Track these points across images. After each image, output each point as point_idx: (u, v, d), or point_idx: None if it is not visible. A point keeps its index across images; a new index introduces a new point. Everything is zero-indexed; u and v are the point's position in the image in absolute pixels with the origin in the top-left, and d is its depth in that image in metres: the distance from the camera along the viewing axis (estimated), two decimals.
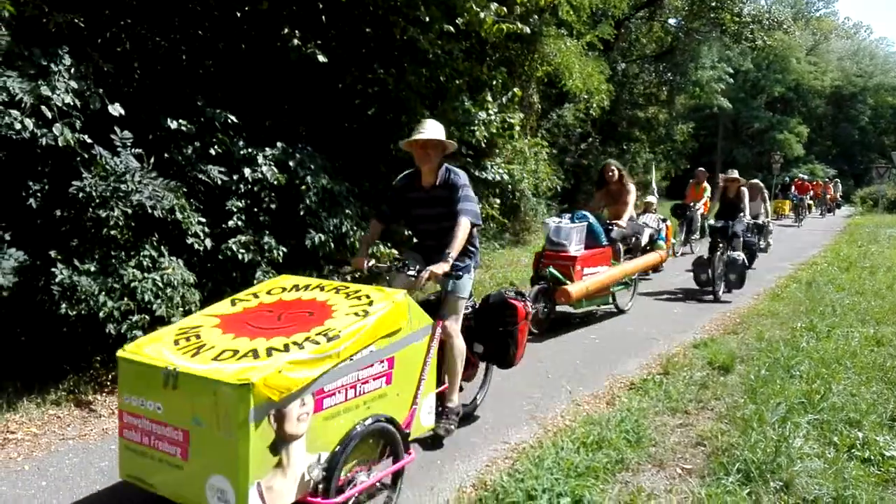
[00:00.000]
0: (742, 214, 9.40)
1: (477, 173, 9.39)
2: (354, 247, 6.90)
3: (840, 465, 3.65)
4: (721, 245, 9.09)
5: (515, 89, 9.76)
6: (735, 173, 10.03)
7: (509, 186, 10.98)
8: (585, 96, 15.37)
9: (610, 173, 8.03)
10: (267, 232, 6.10)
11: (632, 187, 7.95)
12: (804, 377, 5.19)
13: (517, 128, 10.08)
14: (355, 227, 6.74)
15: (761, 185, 12.61)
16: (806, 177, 26.94)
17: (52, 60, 4.75)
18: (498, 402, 4.87)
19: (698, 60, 26.62)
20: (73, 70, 4.85)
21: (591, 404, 4.88)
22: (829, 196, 28.76)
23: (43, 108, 4.58)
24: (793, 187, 24.15)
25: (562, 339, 6.79)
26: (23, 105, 4.49)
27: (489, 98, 9.05)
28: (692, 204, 13.27)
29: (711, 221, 12.99)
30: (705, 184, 13.81)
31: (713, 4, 20.98)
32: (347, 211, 6.76)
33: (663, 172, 25.42)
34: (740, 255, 9.03)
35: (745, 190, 9.61)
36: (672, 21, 24.13)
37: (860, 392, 4.85)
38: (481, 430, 4.38)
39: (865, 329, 6.81)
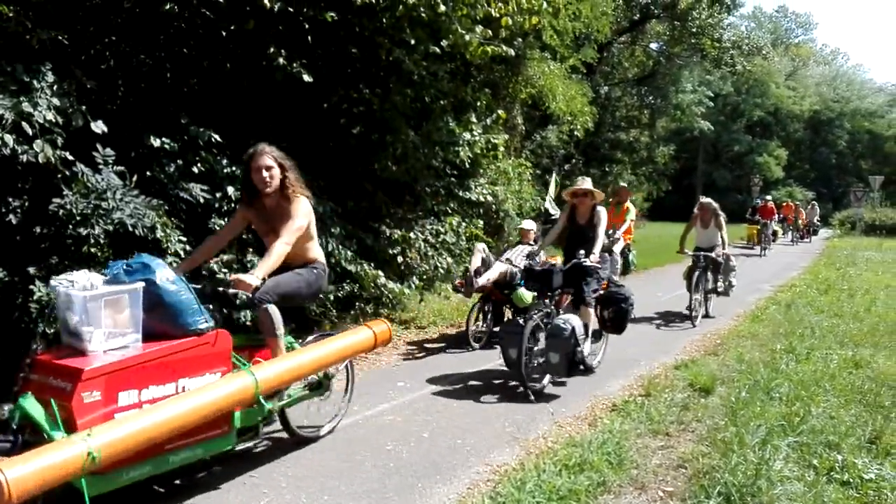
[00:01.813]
0: (591, 249, 5.88)
1: (461, 193, 9.43)
2: (340, 266, 6.89)
3: (819, 489, 3.67)
4: (545, 303, 5.85)
5: (500, 111, 9.84)
6: (587, 183, 6.29)
7: (493, 207, 11.02)
8: (569, 118, 15.52)
9: (264, 171, 4.01)
10: (251, 250, 6.07)
11: (303, 206, 4.05)
12: (784, 399, 5.22)
13: (501, 149, 10.16)
14: (341, 247, 6.73)
15: (715, 206, 9.36)
16: (770, 198, 22.55)
17: (34, 77, 4.73)
18: (479, 423, 4.85)
19: (679, 84, 27.08)
20: (55, 87, 4.82)
21: (574, 426, 4.88)
22: (801, 220, 25.54)
23: (24, 124, 4.54)
24: (753, 211, 21.46)
25: None
26: (3, 121, 4.45)
27: (473, 119, 9.12)
28: (611, 231, 9.83)
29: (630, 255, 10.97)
30: (628, 203, 10.80)
31: (694, 30, 21.41)
32: (332, 230, 6.75)
33: (645, 194, 25.66)
34: (569, 325, 5.41)
35: (601, 211, 6.19)
36: (654, 46, 24.57)
37: (839, 414, 4.89)
38: (462, 451, 4.36)
39: (844, 351, 6.88)
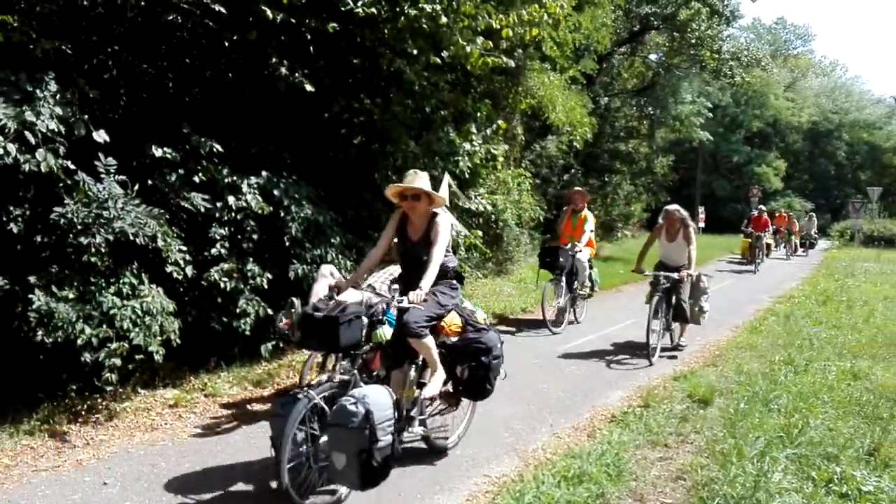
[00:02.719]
0: (418, 282, 3.96)
1: (461, 203, 9.45)
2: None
3: (818, 501, 3.68)
4: (343, 366, 3.95)
5: (500, 121, 9.87)
6: (420, 180, 4.27)
7: (493, 216, 11.06)
8: (568, 129, 15.57)
9: None
10: (251, 259, 6.09)
11: None
12: (782, 411, 5.23)
13: (501, 159, 10.18)
14: (340, 257, 6.75)
15: (684, 214, 7.65)
16: (764, 209, 20.00)
17: (37, 86, 4.76)
18: (479, 433, 4.84)
19: (678, 95, 27.11)
20: (58, 96, 4.85)
21: (573, 437, 4.88)
22: (794, 231, 23.27)
23: (27, 133, 4.57)
24: (748, 222, 19.25)
25: (543, 369, 6.79)
26: (6, 131, 4.48)
27: (473, 129, 9.14)
28: (568, 246, 8.83)
29: (589, 271, 9.10)
30: (586, 212, 9.12)
31: (693, 42, 21.47)
32: (332, 240, 6.77)
33: (644, 204, 25.69)
34: (361, 408, 3.45)
35: (442, 222, 4.21)
36: (653, 57, 24.64)
37: (837, 426, 4.90)
38: (461, 462, 4.36)
39: (842, 363, 6.89)
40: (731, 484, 3.80)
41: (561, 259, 8.64)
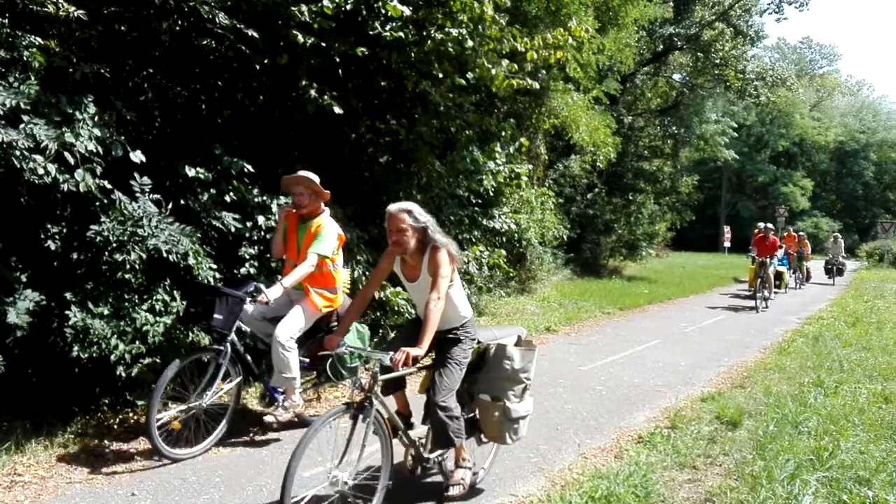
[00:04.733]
0: None
1: (484, 222, 9.50)
2: None
3: None
4: None
5: (523, 139, 9.95)
6: None
7: (516, 235, 11.08)
8: (592, 149, 15.61)
9: None
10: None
11: None
12: (812, 433, 5.16)
13: (524, 178, 10.23)
14: (366, 274, 6.81)
15: (423, 221, 3.88)
16: (771, 227, 15.25)
17: (76, 108, 4.91)
18: (504, 453, 4.84)
19: (702, 114, 27.05)
20: (96, 118, 5.00)
21: (599, 457, 4.86)
22: (807, 254, 19.78)
23: (66, 154, 4.71)
24: (752, 244, 15.40)
25: (569, 389, 6.77)
26: (47, 151, 4.62)
27: (497, 149, 9.22)
28: (253, 288, 5.00)
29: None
30: (322, 219, 5.05)
31: (717, 62, 21.49)
32: (358, 258, 6.84)
33: (668, 224, 25.54)
34: None
35: None
36: (677, 77, 24.66)
37: (869, 450, 4.82)
38: (487, 482, 4.36)
39: (873, 385, 6.78)
40: None
41: (217, 314, 4.66)
